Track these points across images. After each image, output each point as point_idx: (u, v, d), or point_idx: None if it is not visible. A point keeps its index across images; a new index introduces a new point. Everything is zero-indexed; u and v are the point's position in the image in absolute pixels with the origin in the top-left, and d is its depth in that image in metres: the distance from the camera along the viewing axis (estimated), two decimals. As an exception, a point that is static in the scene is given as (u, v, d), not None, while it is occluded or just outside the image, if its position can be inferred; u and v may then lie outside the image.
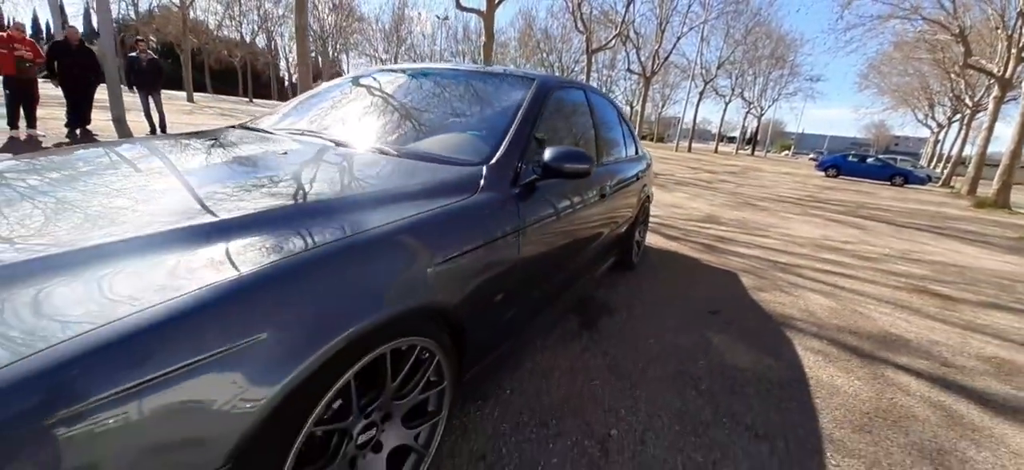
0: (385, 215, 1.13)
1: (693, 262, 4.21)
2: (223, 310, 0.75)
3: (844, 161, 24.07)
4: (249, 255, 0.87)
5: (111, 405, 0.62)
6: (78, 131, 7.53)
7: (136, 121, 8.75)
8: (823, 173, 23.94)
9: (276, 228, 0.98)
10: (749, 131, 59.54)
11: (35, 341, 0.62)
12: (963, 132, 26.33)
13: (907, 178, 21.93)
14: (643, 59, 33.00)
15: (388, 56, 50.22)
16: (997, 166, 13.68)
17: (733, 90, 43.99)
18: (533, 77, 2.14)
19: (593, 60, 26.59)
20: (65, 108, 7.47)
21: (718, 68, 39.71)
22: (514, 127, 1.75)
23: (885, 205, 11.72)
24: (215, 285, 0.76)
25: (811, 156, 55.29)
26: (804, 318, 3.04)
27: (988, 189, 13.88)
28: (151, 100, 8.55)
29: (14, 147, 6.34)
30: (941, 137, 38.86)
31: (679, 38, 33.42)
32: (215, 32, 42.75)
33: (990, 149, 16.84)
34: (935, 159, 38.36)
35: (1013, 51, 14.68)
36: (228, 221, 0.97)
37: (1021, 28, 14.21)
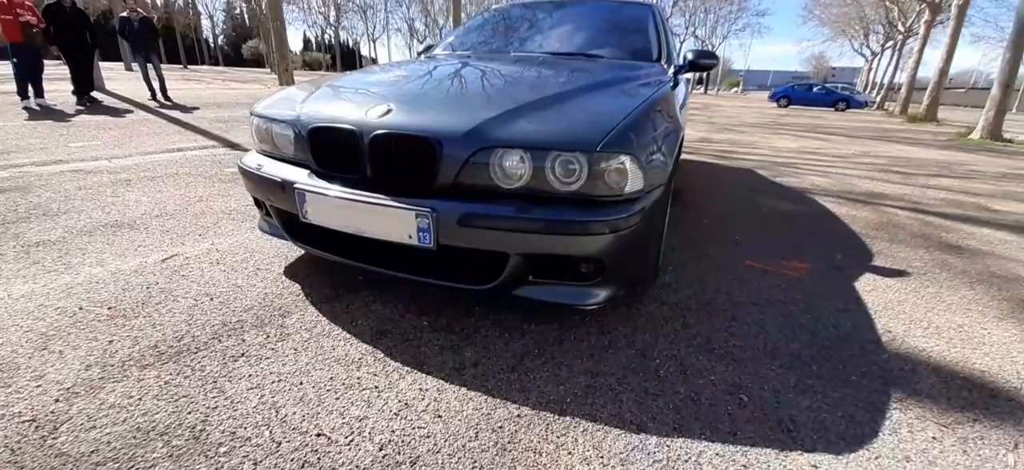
0: (649, 86, 1.91)
1: (714, 166, 5.19)
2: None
3: (793, 91, 26.04)
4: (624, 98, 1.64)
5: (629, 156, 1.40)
6: (87, 98, 7.44)
7: (121, 87, 8.62)
8: (775, 103, 25.81)
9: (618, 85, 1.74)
10: (702, 71, 61.48)
11: (603, 120, 1.38)
12: (895, 58, 28.80)
13: (849, 103, 24.13)
14: None
15: (325, 8, 47.60)
16: (924, 90, 15.55)
17: (686, 29, 45.24)
18: (646, 5, 2.89)
19: None
20: (69, 77, 7.35)
21: (673, 6, 40.56)
22: (665, 38, 2.53)
23: (836, 125, 13.27)
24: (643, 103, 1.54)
25: (770, 91, 58.36)
26: (813, 188, 4.08)
27: (916, 109, 15.80)
28: (149, 64, 8.38)
29: (34, 117, 6.35)
30: (874, 65, 42.00)
31: (637, -21, 33.73)
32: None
33: (917, 74, 18.87)
34: (868, 86, 41.59)
35: (941, -23, 16.33)
36: (590, 84, 1.72)
37: (947, -44, 15.75)
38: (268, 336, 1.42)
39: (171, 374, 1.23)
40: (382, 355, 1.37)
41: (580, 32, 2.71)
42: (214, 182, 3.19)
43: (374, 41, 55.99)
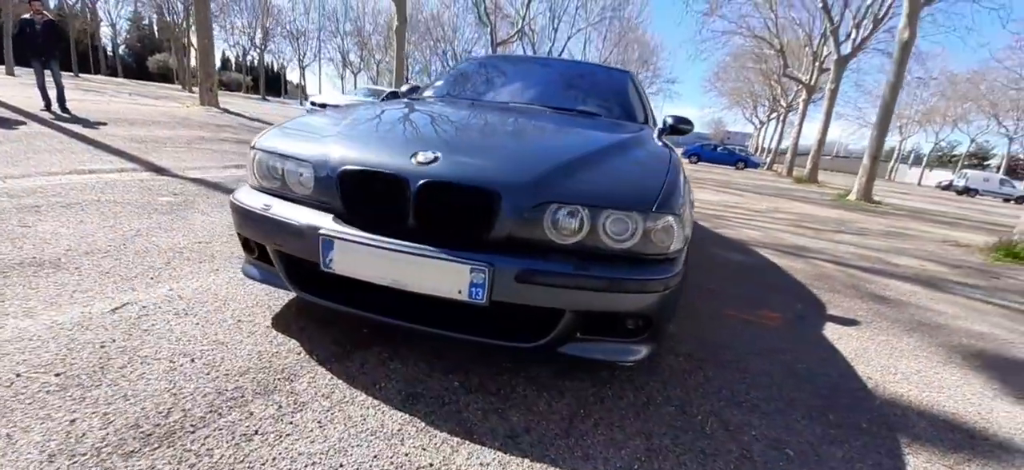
0: (664, 149, 2.00)
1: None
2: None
3: (703, 149, 29.29)
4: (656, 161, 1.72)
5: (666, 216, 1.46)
6: (53, 105, 6.57)
7: (6, 93, 7.36)
8: (688, 159, 28.77)
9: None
10: (622, 125, 66.98)
11: (650, 180, 1.43)
12: (779, 128, 33.72)
13: (746, 162, 27.59)
14: (537, 54, 35.34)
15: (251, 30, 45.34)
16: (807, 154, 18.30)
17: (610, 88, 49.31)
18: (624, 71, 3.10)
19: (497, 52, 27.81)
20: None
21: (598, 67, 44.13)
22: (647, 102, 2.71)
23: (742, 182, 15.04)
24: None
25: (682, 149, 64.80)
26: (751, 241, 4.53)
27: (800, 171, 18.50)
28: (47, 71, 7.26)
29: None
30: (762, 132, 48.78)
31: (569, 38, 36.50)
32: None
33: (799, 141, 22.24)
34: (758, 150, 48.06)
35: (816, 64, 19.65)
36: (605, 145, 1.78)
37: (821, 46, 19.07)
38: (280, 407, 1.21)
39: (170, 463, 0.99)
40: (422, 424, 1.22)
41: (572, 90, 2.82)
42: (149, 213, 2.76)
43: (304, 68, 53.77)
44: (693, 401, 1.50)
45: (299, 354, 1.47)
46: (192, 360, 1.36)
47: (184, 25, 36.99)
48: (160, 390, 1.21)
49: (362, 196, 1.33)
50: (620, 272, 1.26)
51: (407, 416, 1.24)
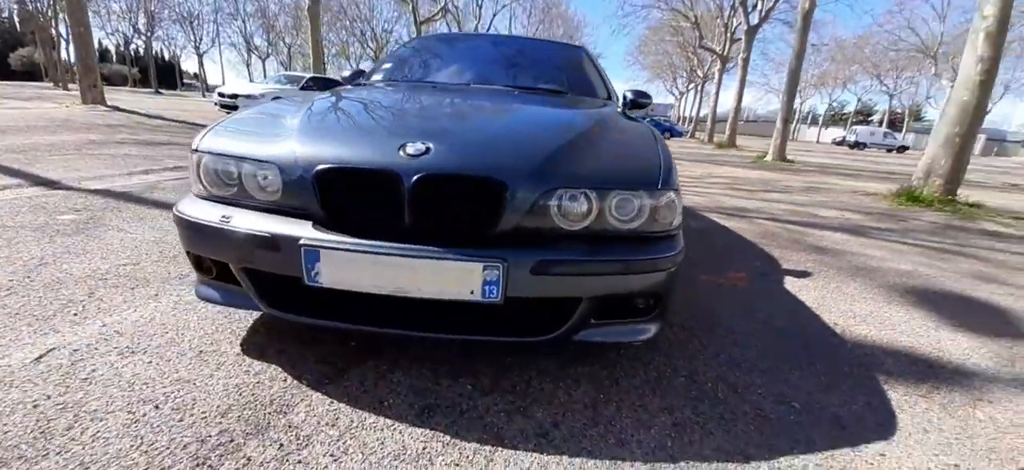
0: (643, 125, 1.99)
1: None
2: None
3: (631, 122, 30.53)
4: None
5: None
6: None
7: None
8: (619, 133, 29.85)
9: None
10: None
11: (649, 157, 1.40)
12: (698, 98, 36.00)
13: (672, 132, 29.15)
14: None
15: (131, 15, 40.00)
16: (724, 121, 19.71)
17: (539, 66, 49.71)
18: (578, 46, 3.07)
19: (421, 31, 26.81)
20: None
21: (527, 45, 44.20)
22: (605, 79, 2.70)
23: (673, 151, 15.86)
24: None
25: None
26: (698, 206, 4.78)
27: (720, 137, 19.90)
28: None
29: None
30: (682, 102, 51.83)
31: (495, 14, 36.04)
32: None
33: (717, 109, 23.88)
34: (679, 119, 51.08)
35: (728, 34, 21.04)
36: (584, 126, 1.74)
37: (731, 18, 20.42)
38: (281, 445, 1.06)
39: (163, 537, 0.82)
40: (447, 437, 1.12)
41: (533, 68, 2.74)
42: (51, 236, 2.32)
43: (201, 56, 48.39)
44: (698, 370, 1.53)
45: (285, 381, 1.30)
46: (156, 406, 1.15)
47: (49, 13, 31.80)
48: (126, 450, 1.00)
49: (344, 197, 1.18)
50: (634, 253, 1.23)
51: (428, 432, 1.14)
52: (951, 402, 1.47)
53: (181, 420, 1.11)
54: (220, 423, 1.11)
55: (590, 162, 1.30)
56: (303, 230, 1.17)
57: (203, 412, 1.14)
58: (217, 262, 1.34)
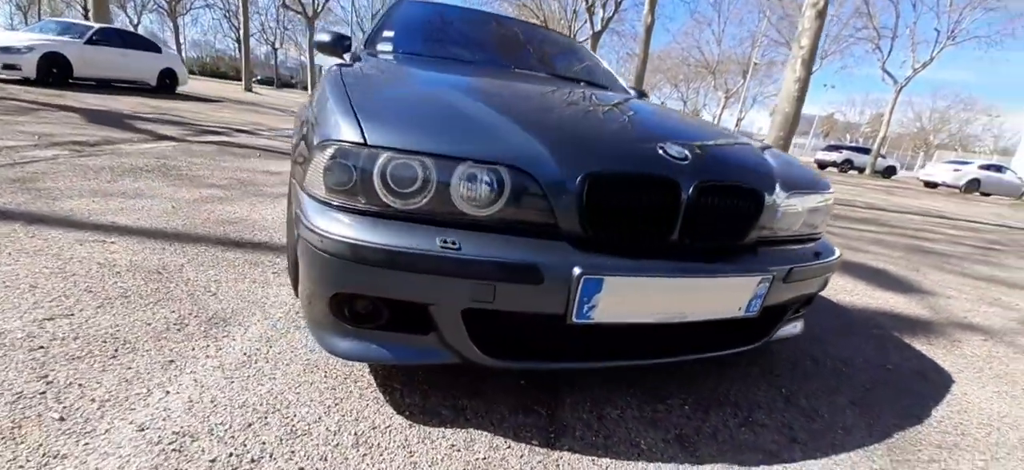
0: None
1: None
2: None
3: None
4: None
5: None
6: None
7: None
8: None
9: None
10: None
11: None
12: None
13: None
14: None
15: None
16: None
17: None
18: (566, 35, 3.05)
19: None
20: None
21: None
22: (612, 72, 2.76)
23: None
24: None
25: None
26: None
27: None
28: None
29: None
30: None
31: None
32: None
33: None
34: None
35: (573, 37, 23.21)
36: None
37: (573, 21, 22.52)
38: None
39: None
40: (723, 465, 1.05)
41: (560, 56, 2.61)
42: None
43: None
44: (782, 375, 1.73)
45: (509, 447, 1.02)
46: None
47: None
48: None
49: (606, 211, 0.99)
50: (829, 254, 1.33)
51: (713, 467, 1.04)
52: (954, 344, 1.97)
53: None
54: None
55: (776, 168, 1.31)
56: (562, 254, 0.94)
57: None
58: (389, 305, 0.97)
